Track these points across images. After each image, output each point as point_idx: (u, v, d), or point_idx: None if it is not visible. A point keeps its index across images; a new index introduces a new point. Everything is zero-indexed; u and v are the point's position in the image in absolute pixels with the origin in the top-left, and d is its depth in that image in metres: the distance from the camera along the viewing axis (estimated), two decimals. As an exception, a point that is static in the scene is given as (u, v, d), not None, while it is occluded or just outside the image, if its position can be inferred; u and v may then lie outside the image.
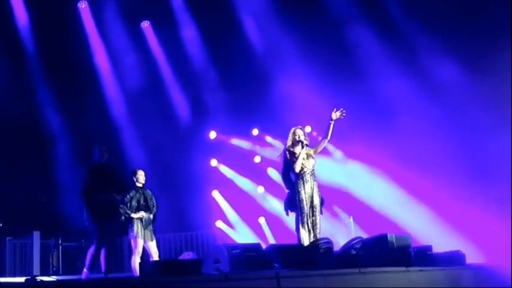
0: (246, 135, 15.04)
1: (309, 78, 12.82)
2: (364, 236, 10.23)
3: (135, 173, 9.76)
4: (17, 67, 13.62)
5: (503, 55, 10.89)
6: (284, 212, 9.84)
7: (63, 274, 12.02)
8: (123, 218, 9.47)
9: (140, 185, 9.72)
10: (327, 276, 7.58)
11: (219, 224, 14.93)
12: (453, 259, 8.72)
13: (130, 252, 10.15)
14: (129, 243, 9.99)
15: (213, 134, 15.13)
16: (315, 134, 12.94)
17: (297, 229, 9.36)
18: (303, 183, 9.38)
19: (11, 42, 13.61)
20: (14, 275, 12.04)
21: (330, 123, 9.52)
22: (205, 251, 13.68)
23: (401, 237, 8.86)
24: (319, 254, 8.51)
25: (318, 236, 9.24)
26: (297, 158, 9.42)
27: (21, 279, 8.92)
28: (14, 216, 12.63)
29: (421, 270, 8.25)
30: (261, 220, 14.75)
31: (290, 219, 9.80)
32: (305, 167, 9.42)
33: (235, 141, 15.15)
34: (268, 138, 14.73)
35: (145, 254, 9.55)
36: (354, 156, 13.31)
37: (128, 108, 14.71)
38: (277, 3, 13.59)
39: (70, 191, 12.16)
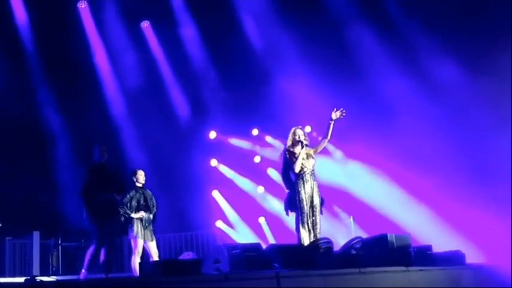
0: (246, 135, 15.04)
1: (309, 78, 12.82)
2: (364, 235, 10.23)
3: (135, 173, 9.75)
4: (17, 67, 13.62)
5: (503, 55, 10.89)
6: (284, 212, 9.85)
7: (62, 274, 12.01)
8: (122, 218, 9.46)
9: (140, 185, 9.71)
10: (327, 276, 7.58)
11: (219, 224, 14.93)
12: (453, 259, 8.71)
13: (130, 252, 10.14)
14: (129, 243, 9.98)
15: (213, 134, 15.12)
16: (314, 134, 12.94)
17: (297, 229, 9.36)
18: (303, 183, 9.38)
19: (10, 42, 13.60)
20: (14, 275, 12.03)
21: (330, 123, 9.53)
22: (205, 251, 13.67)
23: (401, 237, 8.85)
24: (319, 254, 8.51)
25: (318, 236, 9.24)
26: (296, 158, 9.42)
27: (21, 279, 8.92)
28: (14, 216, 12.61)
29: (421, 270, 8.25)
30: (261, 220, 14.75)
31: (290, 219, 9.80)
32: (305, 167, 9.42)
33: (235, 141, 15.15)
34: (268, 138, 14.73)
35: (145, 254, 9.54)
36: (354, 156, 13.31)
37: (128, 108, 14.71)
38: (277, 3, 13.59)
39: (70, 191, 12.13)
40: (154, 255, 9.56)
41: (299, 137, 9.55)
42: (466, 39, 11.45)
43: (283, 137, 10.33)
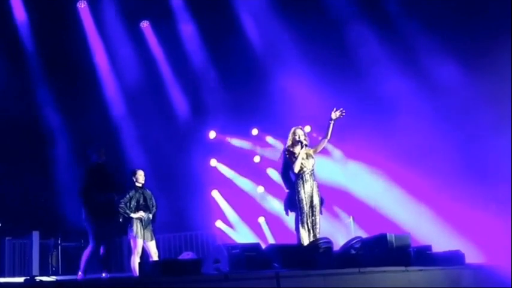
0: (246, 135, 15.03)
1: (309, 78, 12.81)
2: (364, 235, 10.23)
3: (134, 173, 9.75)
4: (17, 67, 13.61)
5: (503, 55, 10.88)
6: (284, 212, 9.85)
7: (62, 274, 12.01)
8: (122, 218, 9.45)
9: (140, 185, 9.70)
10: (326, 276, 7.58)
11: (219, 224, 14.92)
12: (453, 259, 8.71)
13: (129, 252, 10.12)
14: (129, 243, 9.97)
15: (212, 134, 15.12)
16: (314, 134, 12.92)
17: (297, 229, 9.36)
18: (303, 183, 9.38)
19: (10, 42, 13.60)
20: (13, 275, 12.03)
21: (330, 123, 9.54)
22: (205, 251, 13.68)
23: (401, 236, 8.85)
24: (319, 254, 8.51)
25: (318, 236, 9.25)
26: (296, 158, 9.43)
27: (21, 279, 8.93)
28: (14, 216, 12.60)
29: (421, 270, 8.25)
30: (261, 220, 14.74)
31: (290, 219, 9.80)
32: (304, 166, 9.42)
33: (235, 141, 15.14)
34: (268, 138, 14.72)
35: (144, 254, 9.54)
36: (353, 156, 13.30)
37: (128, 108, 14.70)
38: (277, 3, 13.58)
39: (70, 191, 12.10)
40: (154, 255, 9.55)
41: (299, 137, 9.56)
42: (466, 39, 11.44)
43: (283, 137, 10.33)
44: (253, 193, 14.92)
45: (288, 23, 13.39)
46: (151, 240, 9.59)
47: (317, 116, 11.43)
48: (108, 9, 14.18)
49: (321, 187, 9.71)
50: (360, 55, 12.82)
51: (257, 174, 14.90)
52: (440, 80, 11.74)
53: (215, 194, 15.06)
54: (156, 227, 9.86)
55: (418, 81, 11.94)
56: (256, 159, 15.06)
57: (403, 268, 8.14)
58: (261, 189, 14.88)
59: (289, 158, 9.53)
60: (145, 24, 15.09)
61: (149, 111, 14.58)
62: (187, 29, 14.78)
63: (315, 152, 9.64)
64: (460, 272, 8.49)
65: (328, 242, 8.78)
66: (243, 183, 15.01)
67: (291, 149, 9.55)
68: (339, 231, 12.48)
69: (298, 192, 9.36)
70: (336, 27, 13.03)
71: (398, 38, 12.42)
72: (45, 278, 8.80)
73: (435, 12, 11.85)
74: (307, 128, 13.07)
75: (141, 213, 9.52)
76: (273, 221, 14.12)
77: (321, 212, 9.50)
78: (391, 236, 8.67)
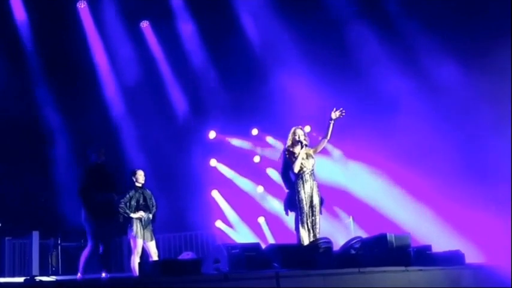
0: (246, 135, 15.03)
1: (309, 78, 12.81)
2: (364, 235, 10.23)
3: (134, 173, 9.75)
4: (17, 67, 13.60)
5: (503, 55, 10.88)
6: (284, 212, 9.85)
7: (62, 274, 12.01)
8: (122, 217, 9.44)
9: (139, 185, 9.70)
10: (326, 275, 7.58)
11: (219, 224, 14.92)
12: (453, 259, 8.71)
13: (129, 252, 10.13)
14: (129, 243, 9.96)
15: (212, 134, 15.11)
16: (314, 134, 12.92)
17: (297, 229, 9.36)
18: (303, 183, 9.38)
19: (10, 42, 13.59)
20: (13, 275, 12.04)
21: (330, 123, 9.55)
22: (204, 251, 13.67)
23: (401, 236, 8.85)
24: (319, 254, 8.51)
25: (318, 236, 9.25)
26: (296, 158, 9.43)
27: (20, 279, 8.93)
28: (13, 216, 12.60)
29: (421, 270, 8.25)
30: (261, 220, 14.74)
31: (290, 219, 9.80)
32: (304, 166, 9.43)
33: (235, 141, 15.14)
34: (268, 138, 14.72)
35: (144, 254, 9.53)
36: (353, 156, 13.30)
37: (127, 108, 14.70)
38: (277, 2, 13.57)
39: (69, 190, 12.07)
40: (154, 255, 9.55)
41: (299, 137, 9.56)
42: (466, 39, 11.45)
43: (282, 137, 10.33)
44: (253, 193, 14.92)
45: (288, 23, 13.39)
46: (151, 240, 9.59)
47: (317, 116, 11.43)
48: (108, 9, 14.17)
49: (321, 187, 9.71)
50: (360, 55, 12.82)
51: (257, 174, 14.90)
52: (440, 80, 11.74)
53: (215, 194, 15.06)
54: (156, 227, 9.85)
55: (418, 81, 11.94)
56: (256, 159, 15.05)
57: (403, 268, 8.15)
58: (260, 189, 14.88)
59: (289, 158, 9.53)
60: (145, 24, 15.08)
61: (149, 111, 14.57)
62: (187, 29, 14.77)
63: (315, 152, 9.65)
64: (460, 272, 8.48)
65: (328, 242, 8.78)
66: (243, 183, 15.01)
67: (291, 149, 9.56)
68: (339, 231, 12.48)
69: (298, 192, 9.36)
70: (336, 27, 13.03)
71: (398, 38, 12.43)
72: (45, 278, 8.81)
73: (435, 12, 11.85)
74: (307, 128, 13.06)
75: (141, 213, 9.52)
76: (273, 221, 14.12)
77: (320, 212, 9.50)
78: (391, 236, 8.67)
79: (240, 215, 14.90)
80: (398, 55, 12.25)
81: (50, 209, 13.30)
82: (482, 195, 10.73)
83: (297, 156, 9.44)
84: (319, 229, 9.34)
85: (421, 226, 11.09)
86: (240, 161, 15.00)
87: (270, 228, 14.50)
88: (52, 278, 9.35)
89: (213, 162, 15.22)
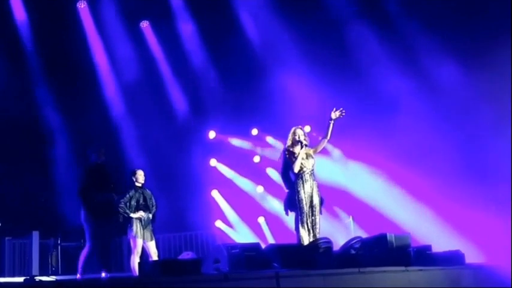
0: (246, 135, 15.03)
1: (308, 78, 12.81)
2: (364, 235, 10.22)
3: (134, 173, 9.75)
4: (17, 67, 13.60)
5: (503, 55, 10.88)
6: (284, 212, 9.85)
7: (62, 274, 12.00)
8: (121, 217, 9.44)
9: (139, 185, 9.70)
10: (326, 275, 7.58)
11: (219, 223, 14.92)
12: (453, 259, 8.71)
13: (129, 252, 10.12)
14: (129, 243, 9.96)
15: (212, 134, 15.11)
16: (314, 134, 12.92)
17: (297, 229, 9.36)
18: (303, 183, 9.38)
19: (10, 42, 13.59)
20: (13, 275, 12.03)
21: (330, 123, 9.55)
22: (204, 251, 13.67)
23: (401, 236, 8.85)
24: (319, 254, 8.51)
25: (318, 236, 9.24)
26: (296, 158, 9.43)
27: (20, 279, 8.93)
28: (13, 216, 12.60)
29: (421, 270, 8.25)
30: (261, 220, 14.74)
31: (290, 219, 9.80)
32: (304, 166, 9.43)
33: (235, 141, 15.14)
34: (268, 138, 14.72)
35: (144, 253, 9.53)
36: (353, 155, 13.30)
37: (127, 108, 14.69)
38: (277, 2, 13.57)
39: (69, 190, 12.08)
40: (154, 255, 9.55)
41: (299, 137, 9.56)
42: (466, 39, 11.45)
43: (282, 137, 10.32)
44: (253, 193, 14.92)
45: (288, 23, 13.39)
46: (151, 240, 9.59)
47: (317, 116, 11.43)
48: (108, 9, 14.17)
49: (321, 187, 9.71)
50: (360, 55, 12.82)
51: (257, 174, 14.89)
52: (440, 80, 11.74)
53: (215, 194, 15.05)
54: (156, 227, 9.86)
55: (418, 81, 11.94)
56: (256, 159, 15.05)
57: (403, 268, 8.15)
58: (260, 189, 14.88)
59: (289, 158, 9.53)
60: (145, 24, 15.08)
61: (149, 111, 14.57)
62: (187, 29, 14.77)
63: (314, 152, 9.65)
64: (460, 272, 8.48)
65: (328, 242, 8.78)
66: (243, 183, 15.00)
67: (291, 149, 9.56)
68: (339, 231, 12.47)
69: (298, 192, 9.36)
70: (336, 27, 13.03)
71: (398, 38, 12.43)
72: (45, 278, 8.81)
73: (435, 12, 11.85)
74: (307, 128, 13.06)
75: (140, 213, 9.52)
76: (273, 221, 14.12)
77: (320, 212, 9.50)
78: (391, 236, 8.67)
79: (240, 215, 14.89)
80: (398, 55, 12.25)
81: (50, 209, 13.30)
82: (482, 195, 10.73)
83: (297, 156, 9.44)
84: (319, 229, 9.34)
85: (421, 226, 11.09)
86: (240, 161, 15.00)
87: (270, 228, 14.50)
88: (52, 278, 9.35)
89: (213, 162, 15.22)
